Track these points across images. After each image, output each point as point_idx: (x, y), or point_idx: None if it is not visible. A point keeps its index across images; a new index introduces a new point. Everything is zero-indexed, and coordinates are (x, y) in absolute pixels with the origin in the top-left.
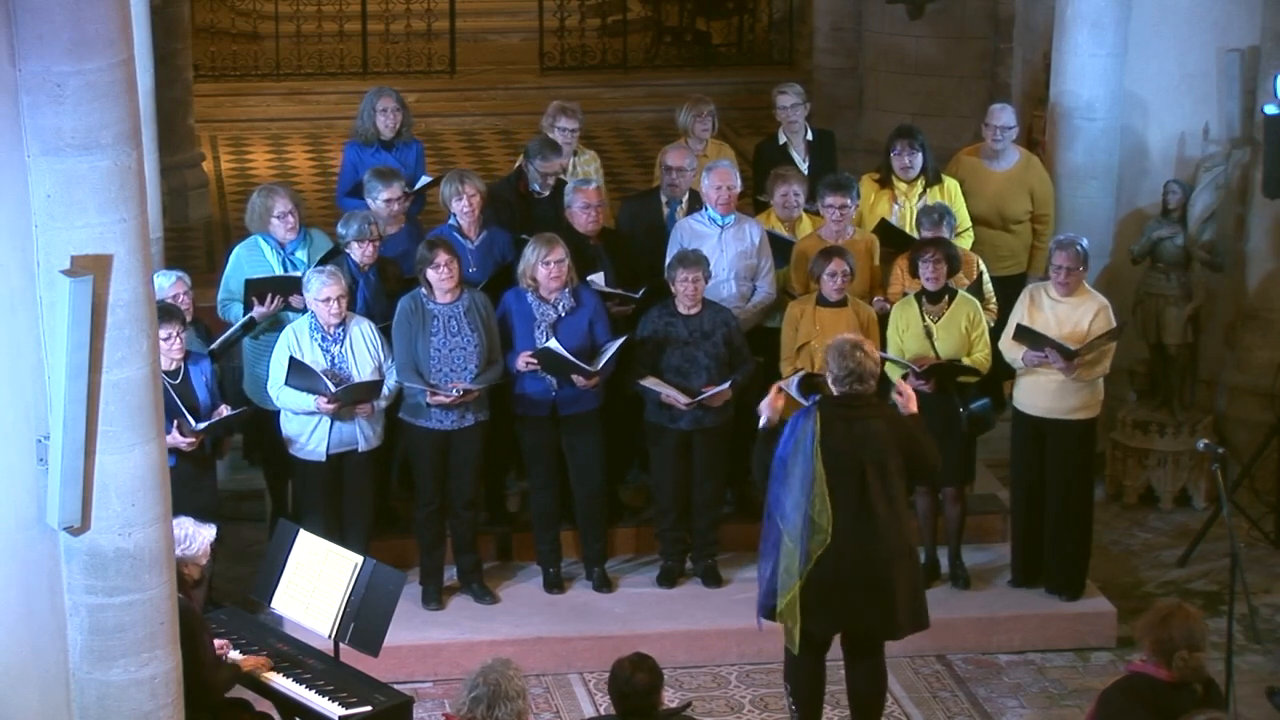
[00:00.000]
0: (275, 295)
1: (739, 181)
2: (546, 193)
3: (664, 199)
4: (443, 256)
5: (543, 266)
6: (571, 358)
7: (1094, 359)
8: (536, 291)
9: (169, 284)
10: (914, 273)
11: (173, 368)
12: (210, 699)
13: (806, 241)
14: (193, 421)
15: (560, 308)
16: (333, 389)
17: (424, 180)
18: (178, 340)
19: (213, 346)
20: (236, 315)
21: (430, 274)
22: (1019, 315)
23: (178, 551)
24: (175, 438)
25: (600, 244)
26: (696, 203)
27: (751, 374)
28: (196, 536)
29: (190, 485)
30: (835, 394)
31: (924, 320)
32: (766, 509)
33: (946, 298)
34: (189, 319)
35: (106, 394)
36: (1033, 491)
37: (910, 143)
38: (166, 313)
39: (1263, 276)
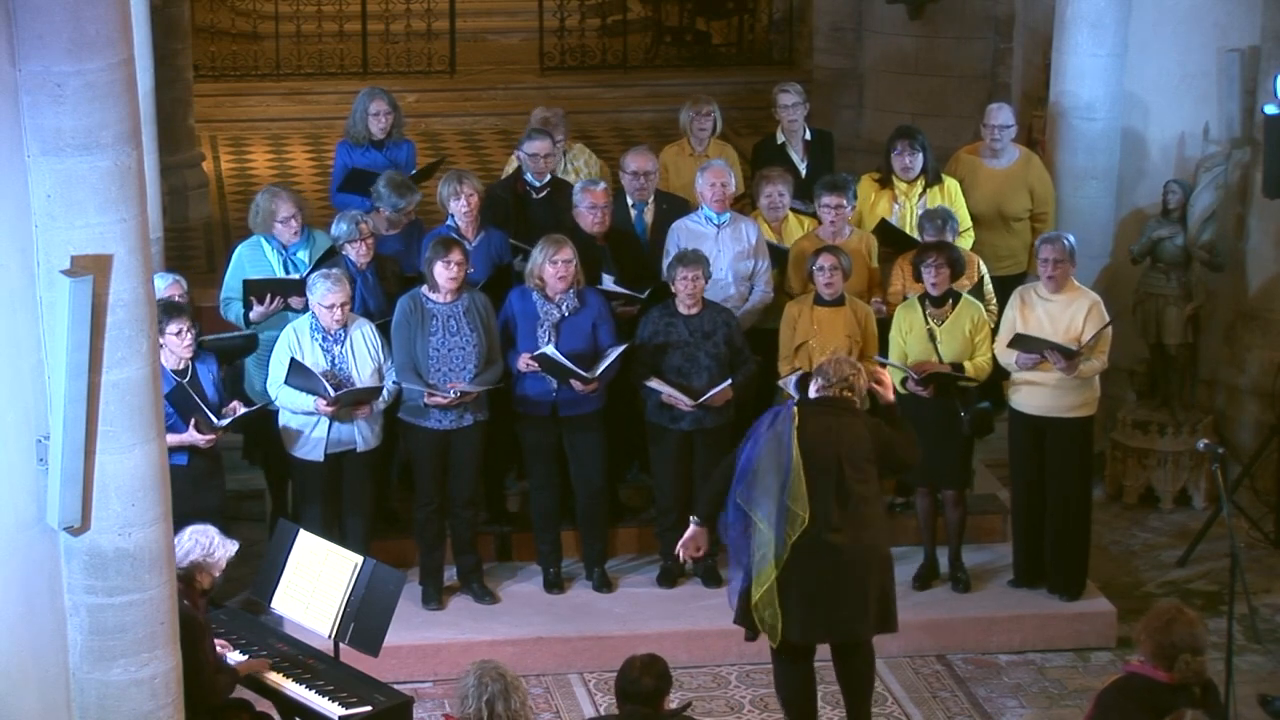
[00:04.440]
0: (274, 296)
1: (734, 180)
2: (542, 186)
3: (629, 201)
4: (457, 255)
5: (550, 265)
6: (569, 364)
7: (1092, 355)
8: (542, 291)
9: (165, 286)
10: (917, 277)
11: (181, 366)
12: (211, 702)
13: (805, 241)
14: (214, 419)
15: (564, 308)
16: (332, 392)
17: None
18: (189, 335)
19: (205, 337)
20: (237, 314)
21: (440, 269)
22: (1011, 318)
23: (199, 555)
24: (193, 435)
25: (606, 245)
26: (669, 203)
27: (752, 374)
28: (220, 547)
29: (201, 485)
30: (815, 395)
31: (927, 323)
32: (729, 506)
33: (950, 301)
34: None
35: (106, 394)
36: (1032, 491)
37: (910, 143)
38: (176, 309)
39: (1263, 276)
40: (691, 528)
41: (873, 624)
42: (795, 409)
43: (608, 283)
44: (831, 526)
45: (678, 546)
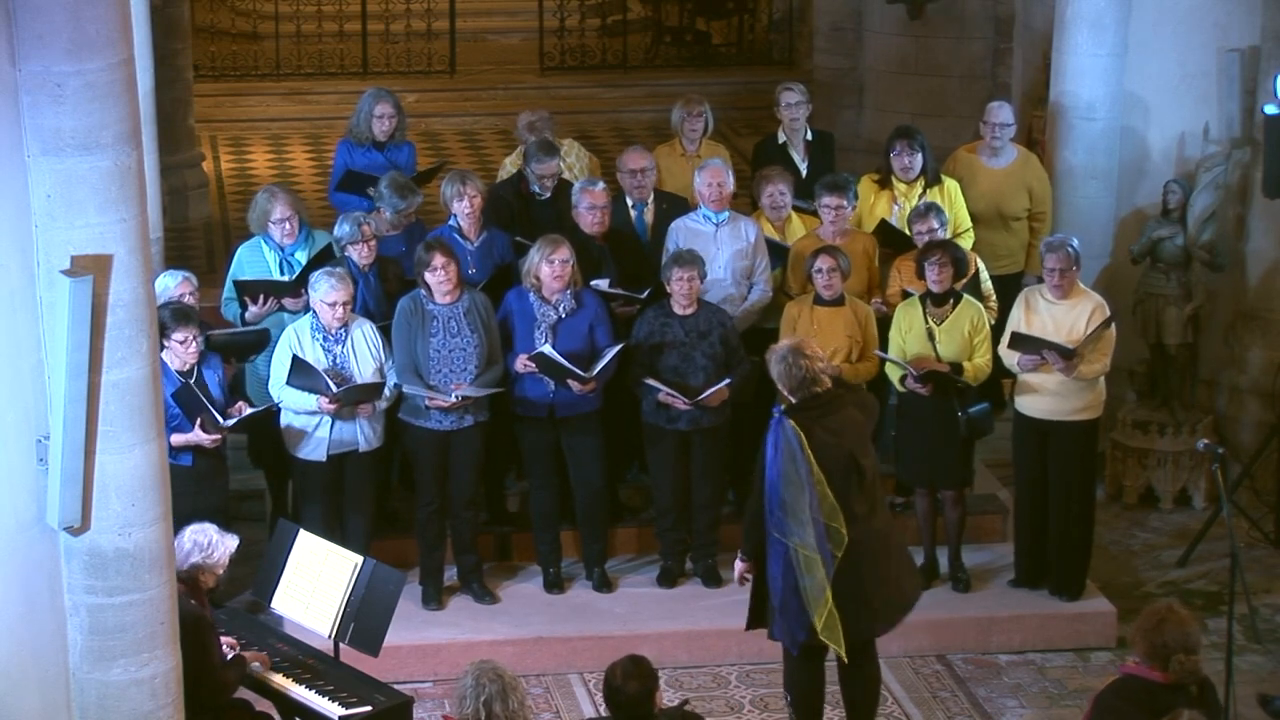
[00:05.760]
0: (268, 297)
1: (731, 179)
2: (547, 194)
3: (629, 202)
4: (439, 259)
5: (546, 265)
6: (566, 363)
7: (1094, 357)
8: (539, 292)
9: (175, 284)
10: (920, 274)
11: (186, 367)
12: (222, 699)
13: (804, 241)
14: (220, 418)
15: (561, 309)
16: (335, 389)
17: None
18: (194, 344)
19: (218, 332)
20: (234, 314)
21: (428, 276)
22: (1015, 320)
23: (198, 557)
24: (199, 435)
25: (606, 245)
26: (669, 203)
27: (747, 374)
28: (219, 545)
29: (204, 484)
30: (795, 401)
31: (927, 322)
32: (768, 536)
33: (951, 301)
34: None
35: (106, 394)
36: (1035, 492)
37: (910, 143)
38: (184, 316)
39: (1263, 276)
40: (739, 564)
41: (904, 601)
42: (793, 424)
43: (601, 285)
44: (860, 526)
45: (735, 579)
